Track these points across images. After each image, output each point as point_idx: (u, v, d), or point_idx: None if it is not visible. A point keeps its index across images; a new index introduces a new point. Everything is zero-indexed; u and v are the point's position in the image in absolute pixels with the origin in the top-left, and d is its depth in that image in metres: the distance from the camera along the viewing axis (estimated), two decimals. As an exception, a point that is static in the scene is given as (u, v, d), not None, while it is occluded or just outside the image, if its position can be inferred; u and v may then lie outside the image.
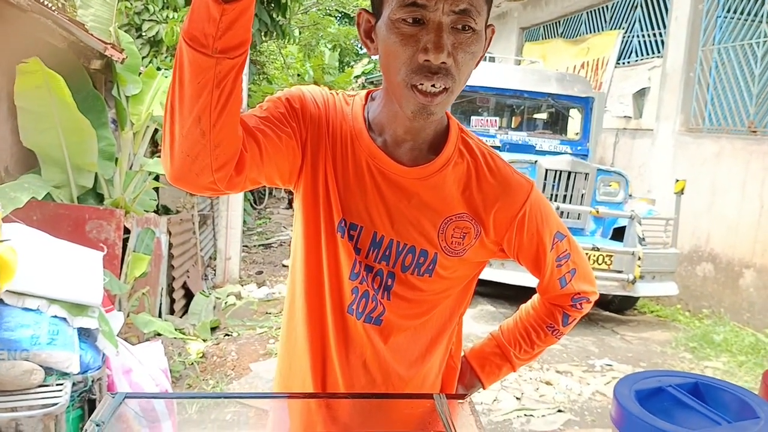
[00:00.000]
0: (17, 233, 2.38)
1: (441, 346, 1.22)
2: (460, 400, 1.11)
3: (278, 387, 1.27)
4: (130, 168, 4.32)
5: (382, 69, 1.03)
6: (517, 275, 5.45)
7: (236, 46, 0.83)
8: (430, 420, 1.11)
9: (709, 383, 1.04)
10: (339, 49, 17.83)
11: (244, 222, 7.69)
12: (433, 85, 0.96)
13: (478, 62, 1.03)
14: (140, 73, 4.46)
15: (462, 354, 1.36)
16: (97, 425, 0.96)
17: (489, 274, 5.67)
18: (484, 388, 1.37)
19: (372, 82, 15.56)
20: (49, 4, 3.52)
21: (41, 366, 2.24)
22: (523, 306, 1.39)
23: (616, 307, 6.53)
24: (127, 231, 3.80)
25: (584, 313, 1.32)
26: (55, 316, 2.29)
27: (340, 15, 19.24)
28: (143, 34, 6.74)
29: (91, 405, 2.45)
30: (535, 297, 1.36)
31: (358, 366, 1.15)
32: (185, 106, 0.85)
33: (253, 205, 11.18)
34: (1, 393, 2.18)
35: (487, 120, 7.08)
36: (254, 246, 8.80)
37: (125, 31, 6.21)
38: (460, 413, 1.08)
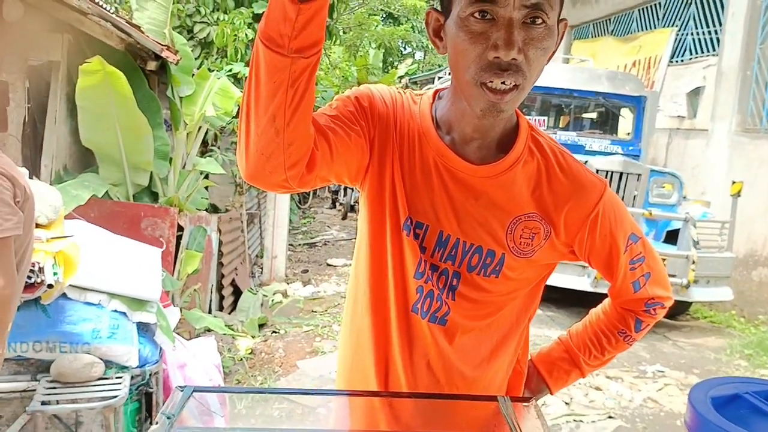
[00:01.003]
0: (79, 229, 2.46)
1: (507, 350, 1.20)
2: (525, 404, 1.10)
3: (340, 384, 1.27)
4: (183, 167, 4.42)
5: (451, 67, 1.01)
6: (564, 278, 5.36)
7: (311, 46, 0.84)
8: (495, 423, 1.10)
9: (788, 391, 1.00)
10: (383, 49, 17.86)
11: (290, 221, 7.77)
12: (503, 82, 0.94)
13: (551, 57, 1.01)
14: (193, 75, 4.55)
15: (529, 358, 1.33)
16: (167, 418, 0.98)
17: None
18: (551, 394, 1.34)
19: (415, 83, 15.51)
20: (108, 8, 3.62)
21: (101, 359, 2.31)
22: (593, 310, 1.35)
23: (669, 312, 6.33)
24: (180, 229, 3.89)
25: (658, 319, 1.27)
26: (116, 311, 2.36)
27: (384, 15, 19.27)
28: (194, 35, 6.88)
29: (148, 398, 2.52)
30: (606, 301, 1.31)
31: (421, 366, 1.14)
32: (261, 105, 0.86)
33: (298, 204, 11.30)
34: (63, 385, 2.26)
35: (535, 120, 6.98)
36: (299, 245, 8.88)
37: (177, 33, 6.36)
38: (526, 416, 1.07)
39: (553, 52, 1.02)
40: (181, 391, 1.08)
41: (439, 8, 1.04)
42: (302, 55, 0.83)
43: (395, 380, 1.16)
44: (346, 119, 1.02)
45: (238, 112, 1.13)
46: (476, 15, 0.94)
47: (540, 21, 0.94)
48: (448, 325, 1.12)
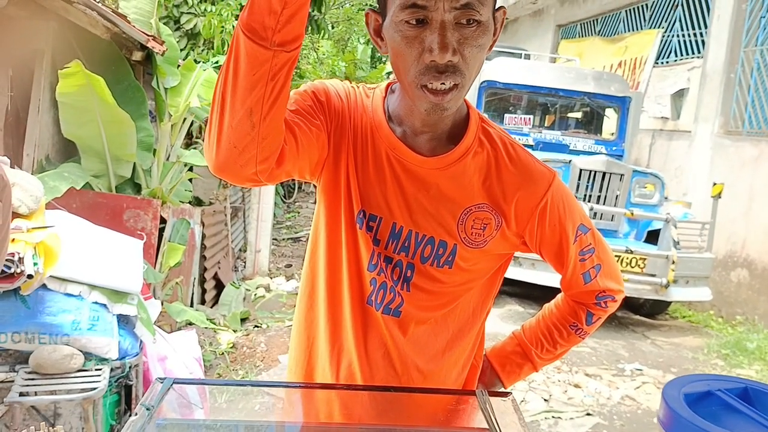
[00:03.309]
0: (60, 220, 2.44)
1: (463, 343, 1.21)
2: (503, 398, 1.11)
3: (295, 377, 1.27)
4: (167, 159, 4.39)
5: (392, 68, 1.03)
6: (547, 276, 5.39)
7: (293, 40, 0.84)
8: (463, 416, 1.11)
9: (759, 388, 1.02)
10: (372, 45, 17.82)
11: (274, 215, 7.75)
12: (442, 83, 0.96)
13: (492, 46, 1.02)
14: (179, 66, 4.52)
15: (484, 353, 1.34)
16: (147, 409, 0.99)
17: (518, 273, 5.63)
18: (504, 388, 1.34)
19: (403, 79, 15.50)
20: (94, -4, 3.58)
21: (81, 351, 2.30)
22: (546, 305, 1.36)
23: (648, 311, 6.42)
24: (163, 221, 3.86)
25: (610, 312, 1.29)
26: (96, 302, 2.34)
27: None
28: (181, 26, 6.83)
29: (128, 390, 2.51)
30: (559, 296, 1.33)
31: (377, 357, 1.16)
32: (237, 97, 0.86)
33: (283, 198, 11.26)
34: (42, 376, 2.24)
35: (520, 118, 7.02)
36: (283, 239, 8.86)
37: (164, 24, 6.30)
38: (503, 411, 1.08)
39: (493, 43, 1.03)
40: (161, 382, 1.08)
41: (377, 9, 1.05)
42: (284, 49, 0.84)
43: (351, 372, 1.17)
44: (307, 114, 1.03)
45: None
46: (409, 20, 0.95)
47: (472, 21, 0.95)
48: (401, 317, 1.14)
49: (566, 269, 1.20)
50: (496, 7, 1.02)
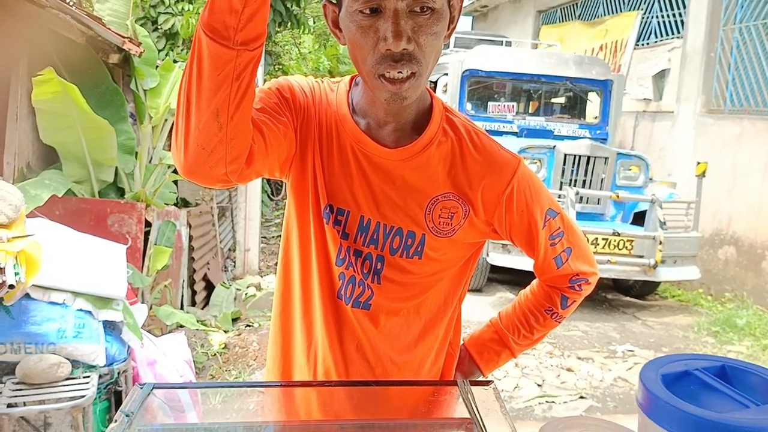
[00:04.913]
0: (41, 228, 2.42)
1: (436, 333, 1.21)
2: (484, 387, 1.11)
3: (273, 374, 1.27)
4: (150, 161, 4.36)
5: (351, 59, 1.02)
6: (529, 261, 5.40)
7: (256, 38, 0.84)
8: (445, 407, 1.12)
9: (736, 366, 1.03)
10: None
11: (262, 213, 7.72)
12: (399, 72, 0.96)
13: (451, 34, 1.02)
14: (157, 67, 4.49)
15: (461, 342, 1.34)
16: (126, 415, 0.98)
17: (508, 260, 5.65)
18: (483, 376, 1.35)
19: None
20: (68, 0, 3.54)
21: (68, 359, 2.28)
22: (522, 291, 1.37)
23: (638, 292, 6.47)
24: (148, 224, 3.84)
25: (584, 294, 1.29)
26: (81, 310, 2.33)
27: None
28: (159, 26, 6.78)
29: (118, 397, 2.50)
30: (534, 281, 1.33)
31: (351, 351, 1.16)
32: (203, 99, 0.85)
33: (271, 196, 11.22)
34: (30, 386, 2.23)
35: (504, 106, 7.02)
36: (272, 237, 8.84)
37: (141, 25, 6.23)
38: (485, 400, 1.08)
39: (452, 30, 1.03)
40: (141, 388, 1.07)
41: (334, 0, 1.04)
42: (247, 48, 0.83)
43: (326, 367, 1.17)
44: (273, 112, 1.03)
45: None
46: (363, 10, 0.95)
47: (426, 8, 0.95)
48: (371, 310, 1.14)
49: (537, 254, 1.20)
50: None
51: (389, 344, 1.17)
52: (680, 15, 8.05)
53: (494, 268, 6.02)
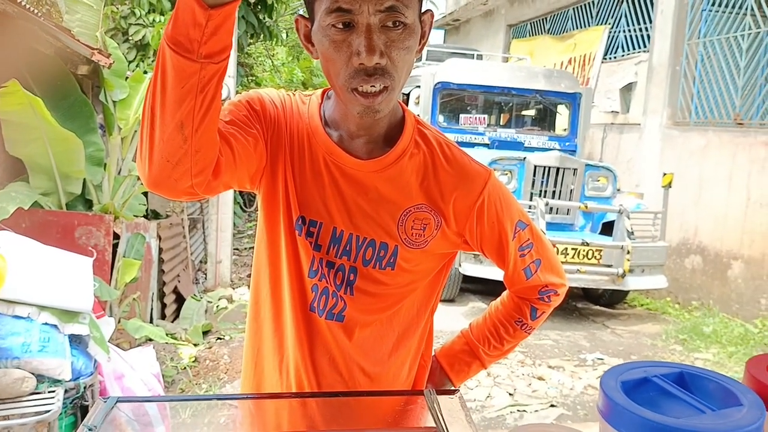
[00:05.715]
0: (6, 241, 2.38)
1: (410, 344, 1.21)
2: (450, 396, 1.12)
3: (246, 388, 1.26)
4: (119, 173, 4.31)
5: (323, 73, 1.03)
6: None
7: (220, 51, 0.84)
8: (412, 416, 1.12)
9: (694, 372, 1.06)
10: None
11: (234, 225, 7.67)
12: (372, 86, 0.97)
13: (421, 49, 1.04)
14: (127, 78, 4.45)
15: (432, 353, 1.35)
16: (89, 429, 0.97)
17: (480, 271, 5.69)
18: (454, 387, 1.34)
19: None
20: (35, 11, 3.50)
21: (33, 373, 2.24)
22: (492, 302, 1.38)
23: (607, 301, 6.57)
24: (116, 236, 3.79)
25: (554, 306, 1.30)
26: (46, 324, 2.29)
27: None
28: (130, 38, 6.72)
29: (84, 411, 2.45)
30: (505, 293, 1.34)
31: (323, 364, 1.16)
32: (167, 111, 0.85)
33: (243, 207, 11.15)
34: (-7, 401, 2.18)
35: (475, 118, 7.09)
36: (245, 249, 8.78)
37: (112, 36, 6.19)
38: (450, 408, 1.09)
39: (423, 45, 1.04)
40: (104, 401, 1.06)
41: (306, 15, 1.05)
42: (212, 61, 0.83)
43: (298, 380, 1.17)
44: (243, 124, 1.03)
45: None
46: (336, 24, 0.96)
47: (398, 23, 0.96)
48: (345, 321, 1.14)
49: (507, 265, 1.22)
50: (423, 10, 1.04)
51: (363, 356, 1.17)
52: (646, 30, 8.24)
53: (466, 278, 6.06)
